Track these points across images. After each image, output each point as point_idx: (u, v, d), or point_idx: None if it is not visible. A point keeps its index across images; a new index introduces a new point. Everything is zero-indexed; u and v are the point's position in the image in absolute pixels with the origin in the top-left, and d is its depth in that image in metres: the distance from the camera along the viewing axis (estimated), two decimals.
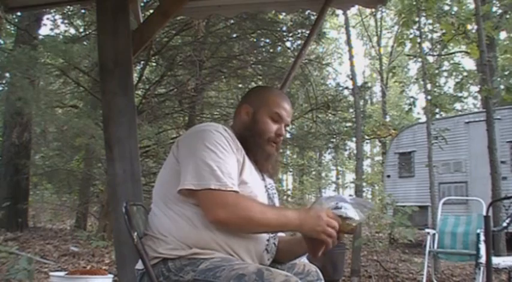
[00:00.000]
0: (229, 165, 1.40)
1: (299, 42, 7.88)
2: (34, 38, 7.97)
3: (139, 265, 1.46)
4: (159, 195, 1.51)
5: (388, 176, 10.53)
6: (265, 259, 1.50)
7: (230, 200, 1.35)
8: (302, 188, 17.89)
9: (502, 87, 6.96)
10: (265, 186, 1.60)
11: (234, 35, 8.03)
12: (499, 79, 7.44)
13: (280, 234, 1.64)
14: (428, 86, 7.21)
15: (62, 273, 3.43)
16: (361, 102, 14.55)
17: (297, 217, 1.38)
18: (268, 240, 1.50)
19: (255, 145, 1.55)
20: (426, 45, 9.40)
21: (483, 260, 3.71)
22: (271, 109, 1.58)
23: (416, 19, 6.80)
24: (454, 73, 8.20)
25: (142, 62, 7.48)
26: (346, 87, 9.80)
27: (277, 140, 1.59)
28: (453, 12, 7.04)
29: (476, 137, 8.35)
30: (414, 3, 6.60)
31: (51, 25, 9.46)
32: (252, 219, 1.36)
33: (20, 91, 6.34)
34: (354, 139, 8.42)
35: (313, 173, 17.51)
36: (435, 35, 9.52)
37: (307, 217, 1.37)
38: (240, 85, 8.85)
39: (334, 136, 9.33)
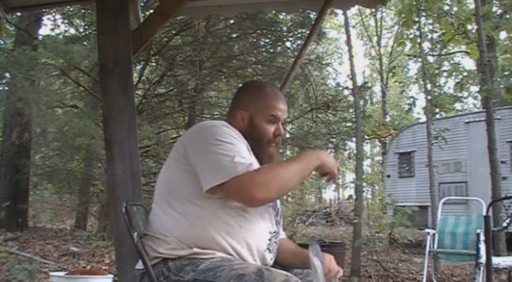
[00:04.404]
0: (243, 151, 1.42)
1: (299, 42, 7.87)
2: (34, 38, 7.97)
3: (139, 265, 1.46)
4: (162, 194, 1.50)
5: (388, 176, 10.52)
6: (267, 258, 1.50)
7: (257, 177, 1.36)
8: (302, 188, 17.87)
9: (502, 87, 6.95)
10: None
11: (234, 35, 8.03)
12: (499, 79, 7.43)
13: (282, 236, 1.66)
14: (428, 86, 7.20)
15: (62, 273, 3.43)
16: (361, 102, 14.55)
17: (314, 155, 1.52)
18: (270, 239, 1.50)
19: (257, 149, 1.56)
20: (426, 45, 9.40)
21: (483, 260, 3.71)
22: (267, 113, 1.58)
23: (416, 19, 6.79)
24: (454, 73, 8.20)
25: (142, 62, 7.48)
26: (346, 87, 9.80)
27: (277, 140, 1.61)
28: (453, 12, 7.03)
29: (476, 137, 8.34)
30: (414, 3, 6.59)
31: (51, 25, 9.45)
32: (285, 182, 1.40)
33: (21, 91, 6.34)
34: (354, 139, 8.41)
35: (313, 172, 17.46)
36: (435, 35, 9.51)
37: (321, 153, 1.53)
38: (240, 85, 8.83)
39: (334, 136, 9.32)
